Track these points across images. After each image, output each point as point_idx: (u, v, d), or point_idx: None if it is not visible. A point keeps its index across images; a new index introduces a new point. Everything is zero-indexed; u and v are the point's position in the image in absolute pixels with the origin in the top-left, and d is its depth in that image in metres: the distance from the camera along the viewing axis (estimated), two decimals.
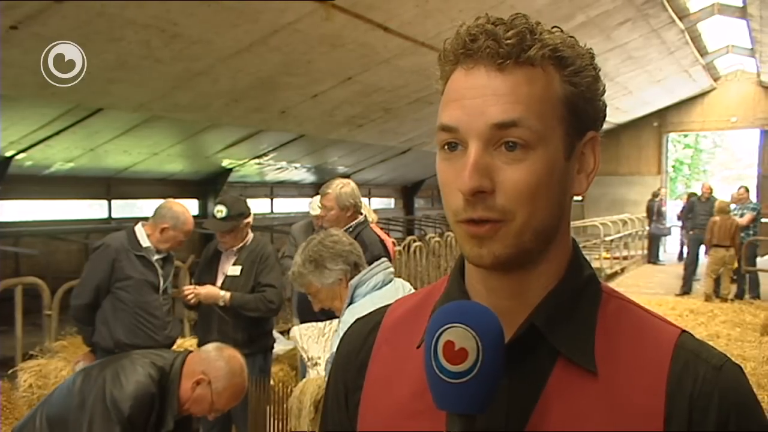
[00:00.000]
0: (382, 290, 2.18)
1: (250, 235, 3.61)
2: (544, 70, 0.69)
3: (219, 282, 3.52)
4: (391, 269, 2.31)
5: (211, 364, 2.30)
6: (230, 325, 3.45)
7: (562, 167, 0.71)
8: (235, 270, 3.51)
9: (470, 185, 0.66)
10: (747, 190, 10.35)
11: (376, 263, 2.27)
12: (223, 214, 3.43)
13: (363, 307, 2.01)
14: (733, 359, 0.73)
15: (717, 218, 9.34)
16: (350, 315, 2.07)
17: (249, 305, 3.46)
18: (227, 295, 3.41)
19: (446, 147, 0.70)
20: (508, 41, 0.68)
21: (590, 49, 0.74)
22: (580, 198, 17.04)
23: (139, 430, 2.13)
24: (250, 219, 3.55)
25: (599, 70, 0.74)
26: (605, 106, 0.75)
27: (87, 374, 2.21)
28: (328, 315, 2.74)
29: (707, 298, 9.27)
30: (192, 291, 3.43)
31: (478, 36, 0.69)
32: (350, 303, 2.19)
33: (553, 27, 0.73)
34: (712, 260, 9.36)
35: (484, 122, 0.67)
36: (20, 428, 2.23)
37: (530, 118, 0.67)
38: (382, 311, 0.86)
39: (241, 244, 3.55)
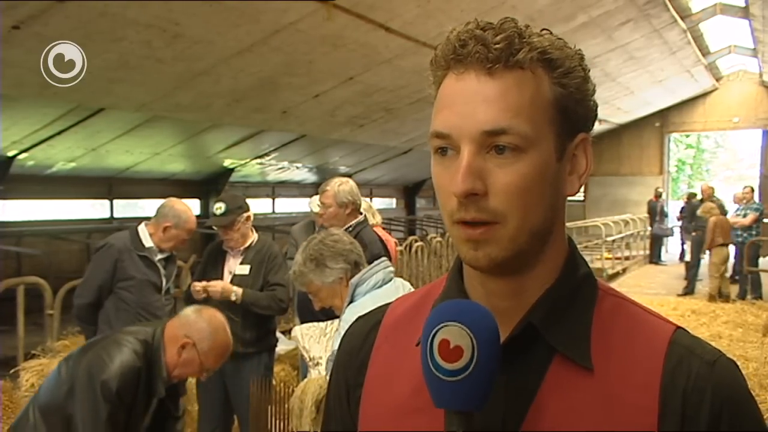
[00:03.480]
0: (382, 289, 2.19)
1: (255, 235, 3.62)
2: (534, 73, 0.70)
3: (227, 281, 3.51)
4: (391, 268, 2.33)
5: (192, 326, 2.32)
6: (238, 324, 3.44)
7: (554, 169, 0.72)
8: (243, 269, 3.52)
9: (463, 188, 0.68)
10: (753, 190, 10.37)
11: (376, 262, 2.29)
12: (222, 210, 3.45)
13: (363, 305, 2.01)
14: (734, 359, 0.73)
15: (715, 218, 9.34)
16: (351, 313, 2.08)
17: (260, 302, 3.47)
18: (239, 290, 3.41)
19: (439, 151, 0.72)
20: (497, 45, 0.69)
21: (579, 50, 0.75)
22: (581, 198, 17.08)
23: (129, 403, 2.15)
24: (249, 214, 3.56)
25: (589, 70, 0.75)
26: (596, 107, 0.76)
27: (73, 361, 2.22)
28: (328, 315, 2.74)
29: (711, 298, 9.25)
30: (205, 286, 3.40)
31: (468, 41, 0.70)
32: (351, 301, 2.21)
33: (542, 29, 0.73)
34: (718, 259, 9.31)
35: (476, 128, 0.68)
36: (15, 426, 2.24)
37: (520, 124, 0.68)
38: (382, 310, 0.87)
39: (247, 244, 3.55)
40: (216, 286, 3.40)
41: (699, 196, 11.87)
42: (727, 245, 9.32)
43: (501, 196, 0.68)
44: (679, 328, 0.74)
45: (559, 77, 0.71)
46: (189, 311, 2.41)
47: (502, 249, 0.70)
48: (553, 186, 0.72)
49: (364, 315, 0.89)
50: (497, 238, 0.69)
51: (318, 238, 2.31)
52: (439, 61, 0.73)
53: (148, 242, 3.35)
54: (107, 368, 2.12)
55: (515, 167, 0.69)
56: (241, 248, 3.55)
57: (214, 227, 3.60)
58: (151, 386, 2.23)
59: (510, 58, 0.69)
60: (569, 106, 0.72)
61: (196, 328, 2.31)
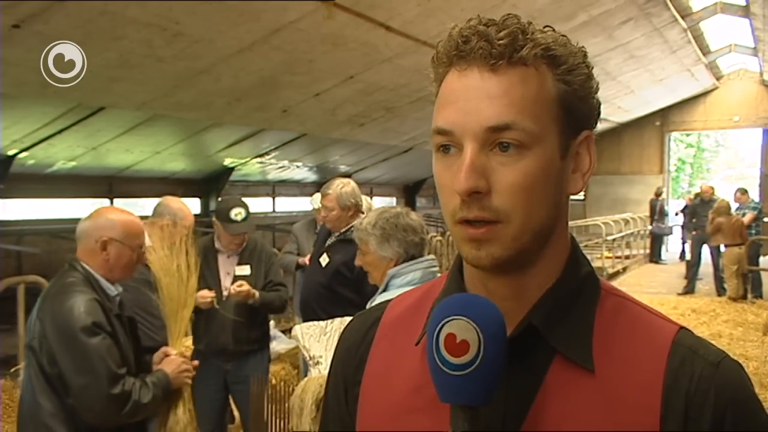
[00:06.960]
0: (414, 287, 2.20)
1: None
2: (537, 70, 0.69)
3: (228, 282, 3.49)
4: (435, 269, 2.33)
5: (95, 228, 2.22)
6: (243, 325, 3.44)
7: (558, 167, 0.71)
8: (243, 269, 3.51)
9: (466, 186, 0.66)
10: (744, 192, 10.35)
11: (419, 260, 2.31)
12: (243, 216, 3.43)
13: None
14: (734, 358, 0.73)
15: (722, 219, 9.31)
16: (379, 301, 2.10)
17: (274, 303, 3.51)
18: (257, 293, 3.42)
19: (441, 149, 0.71)
20: (500, 42, 0.68)
21: (582, 47, 0.74)
22: (582, 197, 17.09)
23: (112, 331, 2.07)
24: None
25: (592, 68, 0.74)
26: (599, 104, 0.75)
27: (37, 340, 2.06)
28: (329, 314, 2.75)
29: (739, 298, 9.20)
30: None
31: (470, 37, 0.69)
32: (384, 290, 2.24)
33: (545, 26, 0.73)
34: (729, 261, 9.26)
35: (479, 124, 0.67)
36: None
37: (524, 119, 0.67)
38: (381, 307, 0.86)
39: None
40: (243, 285, 3.39)
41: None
42: (737, 246, 9.35)
43: (504, 195, 0.67)
44: (682, 328, 0.73)
45: (562, 74, 0.70)
46: (80, 226, 2.26)
47: (505, 248, 0.69)
48: (557, 184, 0.71)
49: (362, 312, 0.89)
50: (500, 237, 0.68)
51: (399, 215, 2.34)
52: (441, 57, 0.72)
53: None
54: (72, 317, 2.01)
55: (519, 165, 0.67)
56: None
57: (231, 233, 3.50)
58: (109, 307, 2.15)
59: (513, 54, 0.68)
60: (573, 103, 0.71)
61: (99, 226, 2.22)
